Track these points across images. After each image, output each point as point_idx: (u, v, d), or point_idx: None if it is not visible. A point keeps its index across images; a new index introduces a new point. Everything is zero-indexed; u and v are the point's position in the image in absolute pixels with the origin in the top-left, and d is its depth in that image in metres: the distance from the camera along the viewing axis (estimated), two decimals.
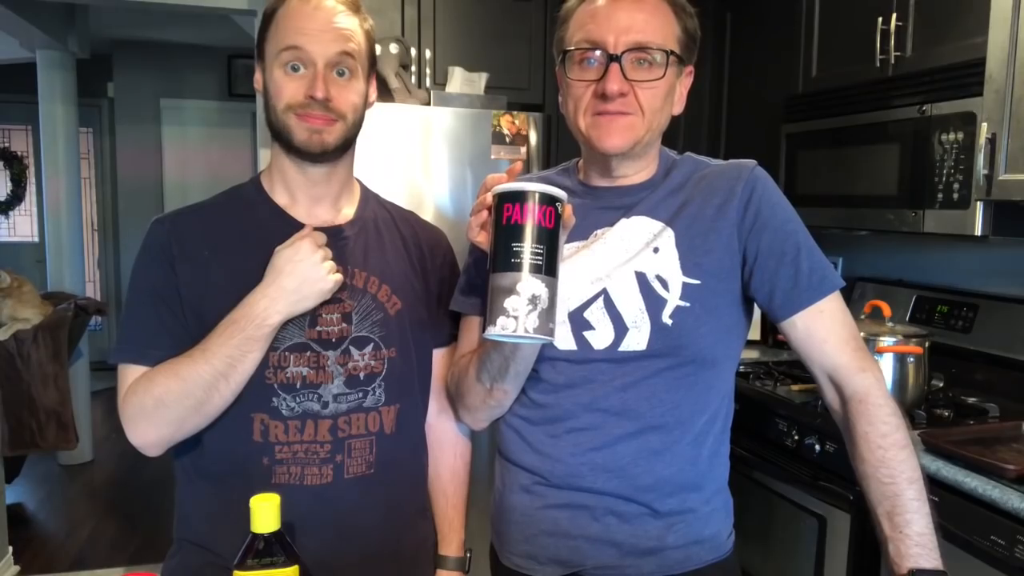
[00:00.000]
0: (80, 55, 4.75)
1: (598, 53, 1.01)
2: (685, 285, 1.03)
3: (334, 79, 1.07)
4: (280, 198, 1.14)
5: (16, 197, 6.67)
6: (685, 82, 1.08)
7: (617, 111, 1.01)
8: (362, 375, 1.10)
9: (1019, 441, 1.63)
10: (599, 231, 1.08)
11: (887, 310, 1.87)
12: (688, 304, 1.02)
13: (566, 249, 1.06)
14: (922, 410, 1.80)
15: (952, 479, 1.48)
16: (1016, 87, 1.60)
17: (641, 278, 1.04)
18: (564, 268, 0.94)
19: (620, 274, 1.05)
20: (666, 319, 1.02)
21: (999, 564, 1.39)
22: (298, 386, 1.06)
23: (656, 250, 1.05)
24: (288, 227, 1.10)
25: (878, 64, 2.04)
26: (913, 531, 0.93)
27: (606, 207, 1.09)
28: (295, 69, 1.06)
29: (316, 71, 1.05)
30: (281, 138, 1.09)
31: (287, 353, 1.06)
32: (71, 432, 3.61)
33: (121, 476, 4.29)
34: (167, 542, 1.14)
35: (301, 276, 1.03)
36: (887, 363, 1.76)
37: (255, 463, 1.06)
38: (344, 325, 1.10)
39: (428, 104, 2.60)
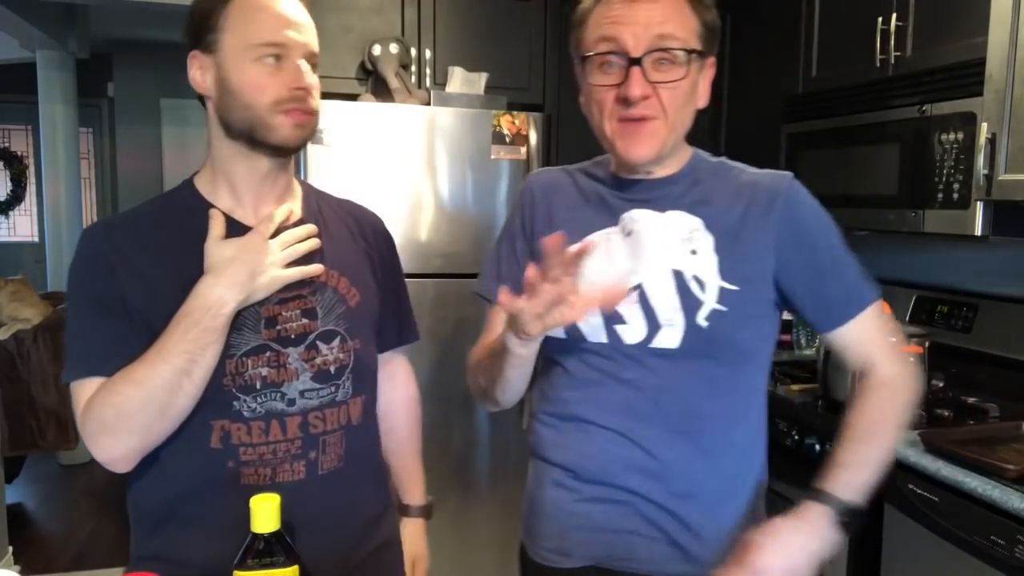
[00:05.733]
0: (80, 55, 4.76)
1: (618, 56, 1.01)
2: (723, 290, 1.04)
3: (308, 72, 1.06)
4: (223, 201, 1.09)
5: (16, 197, 6.68)
6: (708, 74, 1.08)
7: (640, 115, 1.02)
8: (332, 369, 1.09)
9: (1019, 441, 1.63)
10: (626, 216, 1.09)
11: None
12: (725, 308, 1.03)
13: (596, 235, 1.09)
14: (922, 410, 1.80)
15: (952, 479, 1.48)
16: (1016, 87, 1.60)
17: (679, 277, 1.05)
18: (596, 259, 0.99)
19: (656, 270, 1.05)
20: (701, 321, 1.03)
21: (999, 564, 1.39)
22: (258, 386, 1.03)
23: (694, 252, 1.05)
24: (233, 230, 1.06)
25: (878, 64, 2.04)
26: (859, 481, 1.02)
27: (634, 199, 1.10)
28: (274, 61, 1.04)
29: (295, 64, 1.04)
30: (254, 135, 1.05)
31: (244, 359, 1.03)
32: (71, 432, 3.61)
33: (121, 476, 4.25)
34: None
35: (251, 266, 1.01)
36: None
37: (219, 467, 1.02)
38: (306, 320, 1.08)
39: (428, 104, 2.60)
